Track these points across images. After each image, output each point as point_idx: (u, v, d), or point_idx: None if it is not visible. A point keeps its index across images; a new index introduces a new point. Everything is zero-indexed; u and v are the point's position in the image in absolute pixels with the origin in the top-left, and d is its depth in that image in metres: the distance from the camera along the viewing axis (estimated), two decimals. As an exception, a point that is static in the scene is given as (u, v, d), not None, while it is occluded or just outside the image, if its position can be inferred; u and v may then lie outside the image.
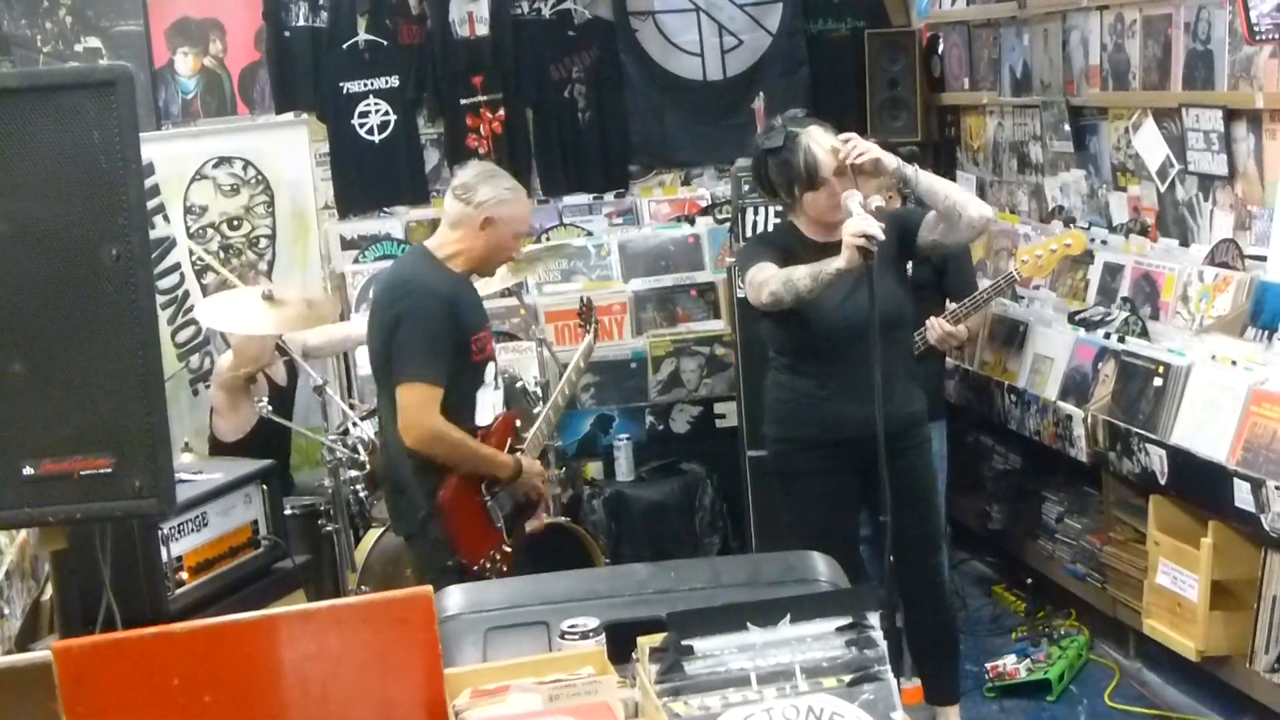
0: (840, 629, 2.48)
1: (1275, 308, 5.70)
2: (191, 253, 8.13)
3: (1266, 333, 5.70)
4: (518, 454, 5.50)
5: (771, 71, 9.04)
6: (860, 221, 5.00)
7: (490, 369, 5.46)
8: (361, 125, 8.61)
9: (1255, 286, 5.88)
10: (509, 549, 5.43)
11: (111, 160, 3.11)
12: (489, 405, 5.44)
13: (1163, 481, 5.70)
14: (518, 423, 5.59)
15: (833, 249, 5.20)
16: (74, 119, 3.11)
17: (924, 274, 6.32)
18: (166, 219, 8.06)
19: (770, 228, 6.86)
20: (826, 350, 5.35)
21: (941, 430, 6.60)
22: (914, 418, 5.52)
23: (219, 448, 7.04)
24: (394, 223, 8.66)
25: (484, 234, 5.35)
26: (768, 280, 5.30)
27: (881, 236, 4.97)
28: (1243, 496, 5.19)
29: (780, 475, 5.61)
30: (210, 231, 8.18)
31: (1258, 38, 3.90)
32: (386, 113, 8.65)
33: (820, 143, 5.30)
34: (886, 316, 5.16)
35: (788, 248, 5.42)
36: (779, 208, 6.26)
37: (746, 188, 6.99)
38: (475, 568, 5.24)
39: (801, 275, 5.23)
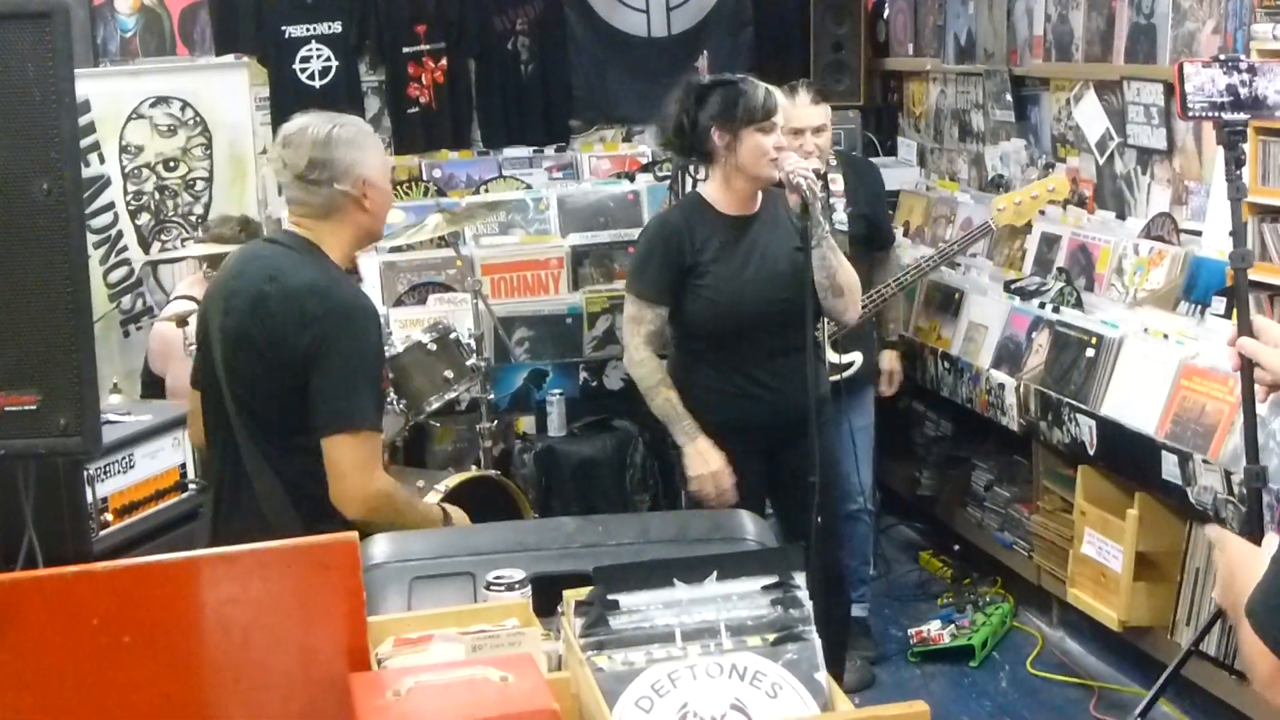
0: (766, 588, 2.47)
1: (1208, 283, 5.74)
2: (126, 192, 8.05)
3: (1199, 307, 5.74)
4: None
5: (716, 30, 9.02)
6: (800, 161, 4.91)
7: None
8: (303, 71, 8.54)
9: (1189, 261, 5.92)
10: None
11: (45, 94, 3.07)
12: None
13: (1092, 452, 5.73)
14: None
15: (741, 224, 5.11)
16: (7, 51, 3.07)
17: (858, 228, 6.30)
18: (101, 158, 7.97)
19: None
20: (735, 332, 5.11)
21: (869, 396, 6.63)
22: (823, 399, 5.32)
23: (155, 382, 6.94)
24: (332, 169, 8.58)
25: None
26: (629, 352, 5.25)
27: (816, 180, 4.86)
28: (1170, 469, 5.23)
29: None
30: (146, 172, 8.09)
31: (1190, 115, 4.03)
32: (328, 59, 8.57)
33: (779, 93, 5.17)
34: (788, 296, 5.00)
35: (692, 248, 5.08)
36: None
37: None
38: None
39: (658, 403, 5.20)
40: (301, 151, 4.09)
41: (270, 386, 4.07)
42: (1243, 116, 4.06)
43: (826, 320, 5.51)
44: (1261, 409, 3.83)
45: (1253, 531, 4.42)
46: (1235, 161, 4.12)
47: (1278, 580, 2.31)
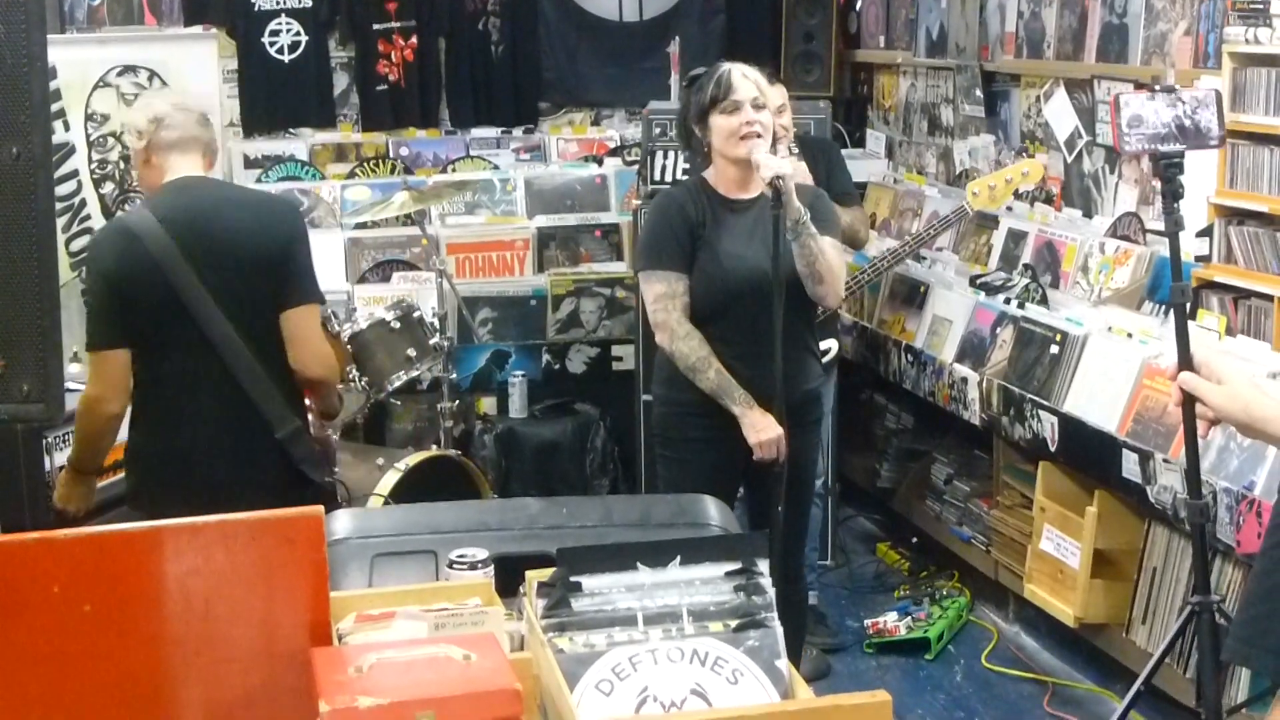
0: (729, 574, 2.47)
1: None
2: (91, 160, 7.99)
3: (1163, 307, 5.76)
4: None
5: (688, 17, 9.01)
6: (775, 162, 4.85)
7: None
8: (271, 44, 8.50)
9: (1155, 261, 5.94)
10: None
11: (16, 57, 3.04)
12: None
13: (1053, 449, 5.75)
14: None
15: (739, 206, 5.07)
16: (-21, 12, 3.03)
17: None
18: (66, 125, 7.90)
19: (679, 177, 6.79)
20: (723, 308, 5.05)
21: (831, 384, 6.64)
22: (809, 395, 5.22)
23: None
24: (299, 144, 8.56)
25: None
26: (671, 328, 5.04)
27: (789, 172, 4.84)
28: (1130, 467, 5.24)
29: (664, 439, 5.31)
30: (111, 141, 8.04)
31: (1125, 149, 4.02)
32: (298, 33, 8.53)
33: (743, 72, 5.07)
34: (789, 277, 4.89)
35: (695, 220, 5.06)
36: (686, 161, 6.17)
37: (657, 130, 6.96)
38: None
39: (710, 377, 5.00)
40: (191, 105, 4.96)
41: (263, 281, 4.66)
42: (1179, 148, 4.03)
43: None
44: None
45: (1203, 567, 4.43)
46: (1173, 195, 4.08)
47: None
